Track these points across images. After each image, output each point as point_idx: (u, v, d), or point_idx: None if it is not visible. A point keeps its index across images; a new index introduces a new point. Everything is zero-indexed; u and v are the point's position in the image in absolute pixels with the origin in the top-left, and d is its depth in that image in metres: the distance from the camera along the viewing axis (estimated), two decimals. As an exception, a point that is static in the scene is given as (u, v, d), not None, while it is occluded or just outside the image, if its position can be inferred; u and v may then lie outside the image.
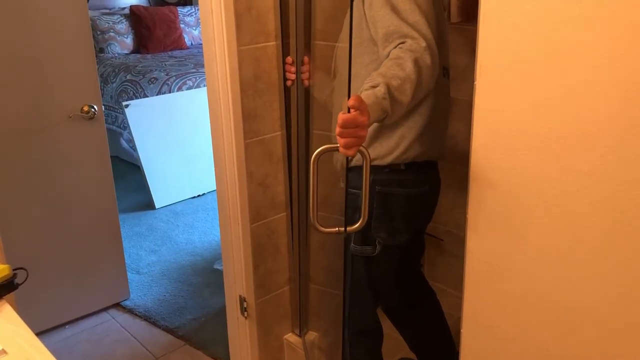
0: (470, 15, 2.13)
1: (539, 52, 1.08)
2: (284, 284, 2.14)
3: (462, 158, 2.40)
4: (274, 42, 1.86)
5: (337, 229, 1.41)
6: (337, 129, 1.16)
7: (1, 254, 1.37)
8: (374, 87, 1.26)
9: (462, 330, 1.36)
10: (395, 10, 1.37)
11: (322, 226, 1.36)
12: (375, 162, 1.52)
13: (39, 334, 1.91)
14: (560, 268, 1.14)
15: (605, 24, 0.99)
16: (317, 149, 1.29)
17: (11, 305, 1.18)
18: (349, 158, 1.58)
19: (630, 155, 1.00)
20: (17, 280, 1.21)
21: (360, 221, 1.34)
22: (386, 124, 1.42)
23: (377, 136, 1.52)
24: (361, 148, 1.24)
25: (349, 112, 1.16)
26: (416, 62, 1.30)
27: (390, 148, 1.52)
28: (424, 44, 1.32)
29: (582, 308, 1.13)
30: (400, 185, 1.56)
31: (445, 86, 1.61)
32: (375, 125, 1.49)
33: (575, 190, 1.08)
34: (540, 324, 1.20)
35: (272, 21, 1.83)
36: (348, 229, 1.38)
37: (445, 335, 1.85)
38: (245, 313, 2.06)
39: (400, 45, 1.33)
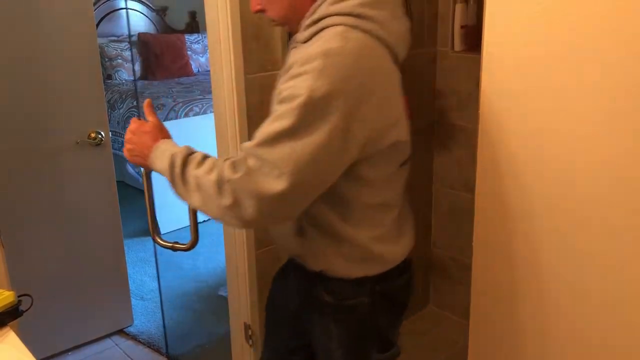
0: (474, 44, 2.16)
1: (542, 81, 1.09)
2: (289, 311, 2.12)
3: (467, 185, 2.42)
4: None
5: (173, 243, 1.56)
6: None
7: (6, 281, 1.37)
8: (191, 153, 1.23)
9: (468, 359, 1.34)
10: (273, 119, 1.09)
11: (180, 245, 1.53)
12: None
13: (42, 361, 1.89)
14: (567, 297, 1.13)
15: (605, 60, 1.00)
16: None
17: (15, 332, 1.18)
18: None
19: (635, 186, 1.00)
20: (21, 307, 1.21)
21: (190, 241, 1.50)
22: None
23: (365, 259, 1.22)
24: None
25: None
26: (199, 187, 1.12)
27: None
28: (237, 175, 1.03)
29: (598, 338, 1.12)
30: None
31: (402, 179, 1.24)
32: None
33: (582, 219, 1.08)
34: (551, 351, 1.19)
35: (279, 50, 1.86)
36: (178, 246, 1.50)
37: None
38: (251, 340, 2.04)
39: (232, 157, 1.09)
